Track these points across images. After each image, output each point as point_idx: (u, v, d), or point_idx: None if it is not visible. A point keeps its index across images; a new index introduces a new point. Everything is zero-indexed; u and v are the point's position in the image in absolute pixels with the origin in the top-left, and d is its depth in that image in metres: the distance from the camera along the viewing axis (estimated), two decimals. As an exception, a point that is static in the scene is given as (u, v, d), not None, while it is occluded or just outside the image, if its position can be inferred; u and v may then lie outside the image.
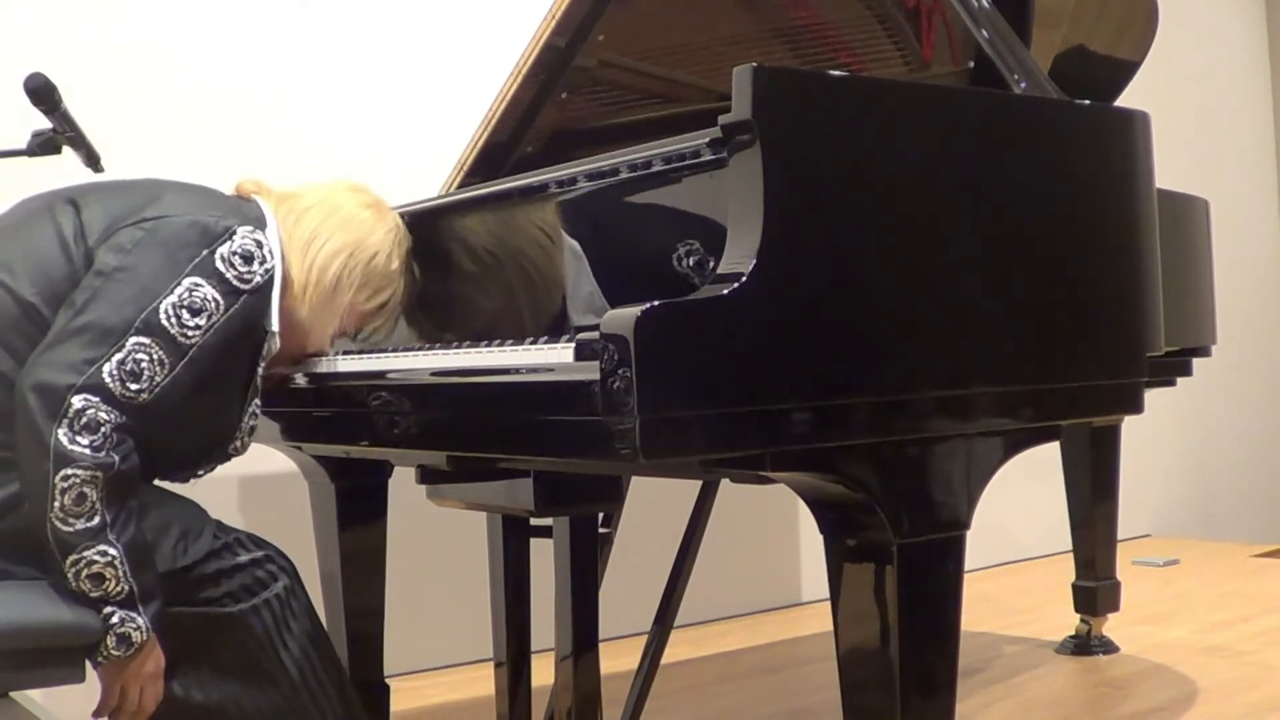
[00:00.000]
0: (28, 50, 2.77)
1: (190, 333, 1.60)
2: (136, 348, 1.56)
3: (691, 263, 1.59)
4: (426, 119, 3.30)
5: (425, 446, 1.79)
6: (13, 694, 1.84)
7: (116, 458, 1.52)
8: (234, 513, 2.97)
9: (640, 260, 1.74)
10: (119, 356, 1.55)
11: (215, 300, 1.63)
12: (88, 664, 1.60)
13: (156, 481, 1.75)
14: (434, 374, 1.71)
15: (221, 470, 1.84)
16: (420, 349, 1.89)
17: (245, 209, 1.77)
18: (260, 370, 1.76)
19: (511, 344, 1.68)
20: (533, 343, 1.62)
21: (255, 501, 3.03)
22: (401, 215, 2.00)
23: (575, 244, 1.81)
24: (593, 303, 1.74)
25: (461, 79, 3.27)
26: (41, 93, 1.92)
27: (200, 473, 1.81)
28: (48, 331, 1.59)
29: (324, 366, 1.94)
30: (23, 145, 2.00)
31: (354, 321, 1.90)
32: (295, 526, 2.46)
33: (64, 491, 1.50)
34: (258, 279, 1.67)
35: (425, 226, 2.07)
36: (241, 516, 2.96)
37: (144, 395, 1.56)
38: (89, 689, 1.65)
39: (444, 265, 2.07)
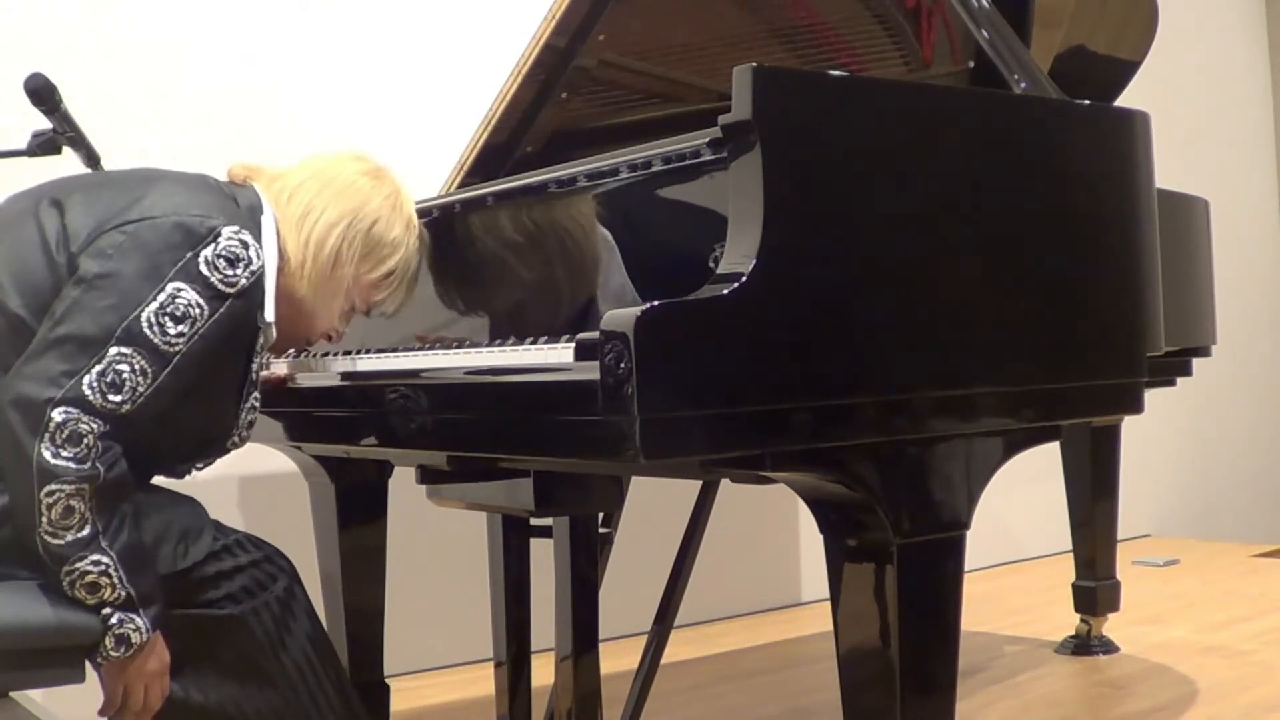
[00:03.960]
0: (28, 50, 2.77)
1: (173, 341, 1.56)
2: (117, 358, 1.52)
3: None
4: (426, 119, 3.30)
5: (425, 446, 1.78)
6: (13, 694, 1.84)
7: (102, 467, 1.50)
8: (234, 513, 2.97)
9: (642, 260, 1.74)
10: (99, 368, 1.51)
11: (199, 306, 1.57)
12: (89, 664, 1.60)
13: (155, 479, 1.75)
14: (433, 374, 1.71)
15: (221, 470, 1.83)
16: (421, 349, 1.89)
17: (239, 197, 1.73)
18: (256, 364, 1.73)
19: (512, 344, 1.68)
20: (533, 342, 1.62)
21: (255, 501, 3.03)
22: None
23: (607, 234, 1.79)
24: (623, 297, 1.73)
25: (461, 79, 3.27)
26: (41, 93, 1.92)
27: (199, 467, 1.79)
28: None
29: (324, 367, 1.94)
30: (23, 145, 2.00)
31: (361, 295, 1.83)
32: (295, 526, 2.46)
33: (50, 507, 1.47)
34: (243, 282, 1.61)
35: (424, 226, 2.06)
36: (241, 516, 2.96)
37: (126, 406, 1.52)
38: (89, 689, 1.64)
39: (441, 265, 2.07)
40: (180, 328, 1.56)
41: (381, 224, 1.80)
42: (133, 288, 1.55)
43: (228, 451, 1.77)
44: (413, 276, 1.89)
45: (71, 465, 1.48)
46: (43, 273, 1.59)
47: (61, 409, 1.48)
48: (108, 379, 1.51)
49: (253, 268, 1.63)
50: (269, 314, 1.70)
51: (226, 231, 1.62)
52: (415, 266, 1.89)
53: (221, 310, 1.60)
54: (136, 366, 1.53)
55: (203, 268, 1.59)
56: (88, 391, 1.50)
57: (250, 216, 1.71)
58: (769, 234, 1.40)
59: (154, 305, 1.55)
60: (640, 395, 1.29)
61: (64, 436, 1.48)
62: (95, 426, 1.50)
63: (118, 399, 1.52)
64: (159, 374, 1.55)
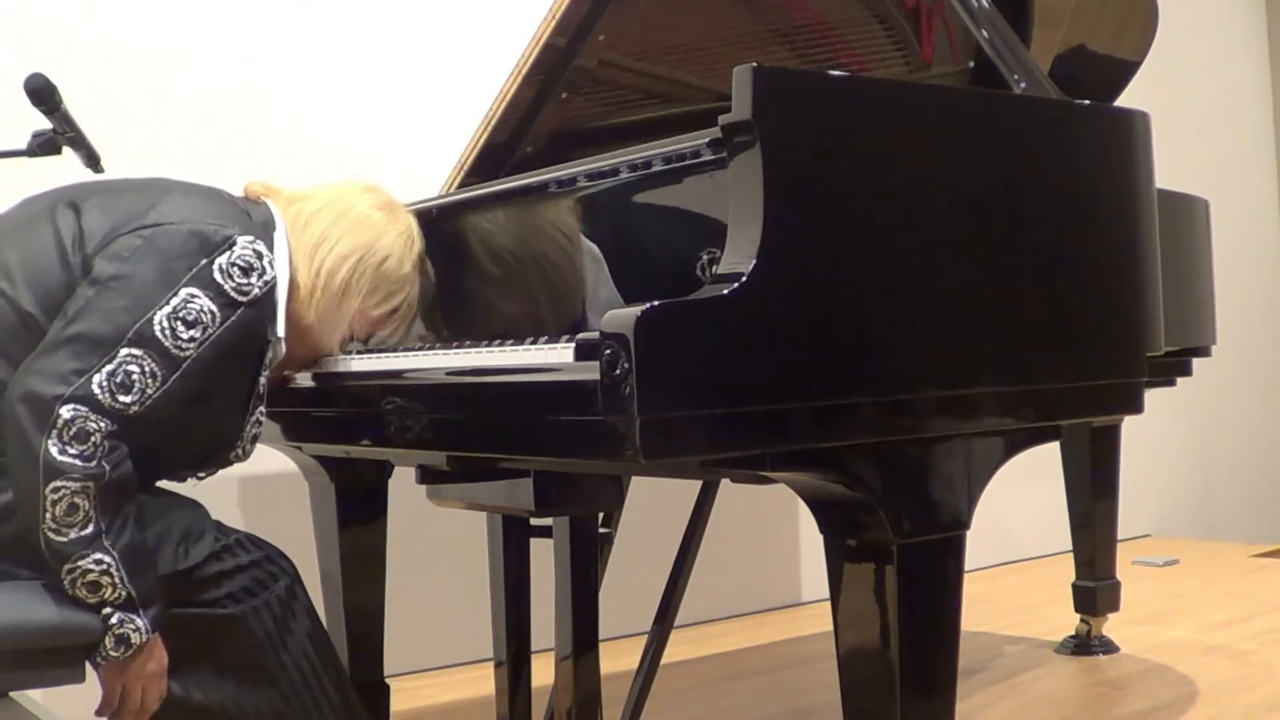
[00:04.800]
0: (28, 50, 2.77)
1: (184, 345, 1.57)
2: (128, 359, 1.53)
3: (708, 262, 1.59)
4: (426, 119, 3.30)
5: (425, 446, 1.78)
6: (13, 694, 1.84)
7: (108, 466, 1.50)
8: (234, 513, 2.97)
9: (643, 260, 1.74)
10: (109, 368, 1.52)
11: (211, 312, 1.59)
12: (88, 664, 1.60)
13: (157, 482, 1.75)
14: (433, 374, 1.71)
15: (221, 470, 1.83)
16: (421, 349, 1.89)
17: (253, 212, 1.75)
18: (264, 378, 1.74)
19: (512, 344, 1.68)
20: (533, 343, 1.62)
21: (255, 501, 3.03)
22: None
23: (594, 246, 1.80)
24: (612, 303, 1.73)
25: (461, 79, 3.27)
26: (41, 93, 1.92)
27: (200, 476, 1.80)
28: None
29: (326, 366, 1.94)
30: (23, 145, 2.00)
31: (364, 327, 1.87)
32: (295, 526, 2.46)
33: (54, 503, 1.48)
34: (256, 291, 1.63)
35: (425, 226, 2.06)
36: (241, 516, 2.96)
37: (134, 407, 1.53)
38: (89, 689, 1.65)
39: (441, 265, 2.07)
40: (192, 333, 1.58)
41: (392, 261, 1.84)
42: (146, 291, 1.57)
43: (230, 463, 1.78)
44: (416, 313, 1.92)
45: (78, 463, 1.49)
46: (57, 272, 1.61)
47: (70, 406, 1.49)
48: (118, 379, 1.52)
49: (266, 278, 1.65)
50: (279, 329, 1.71)
51: (241, 241, 1.63)
52: (419, 304, 1.91)
53: (233, 318, 1.61)
54: (147, 369, 1.54)
55: (216, 275, 1.60)
56: (97, 390, 1.51)
57: (264, 231, 1.72)
58: (769, 234, 1.40)
59: (167, 309, 1.56)
60: (640, 395, 1.29)
61: (71, 434, 1.49)
62: (103, 425, 1.50)
63: (126, 400, 1.53)
64: (169, 377, 1.56)
